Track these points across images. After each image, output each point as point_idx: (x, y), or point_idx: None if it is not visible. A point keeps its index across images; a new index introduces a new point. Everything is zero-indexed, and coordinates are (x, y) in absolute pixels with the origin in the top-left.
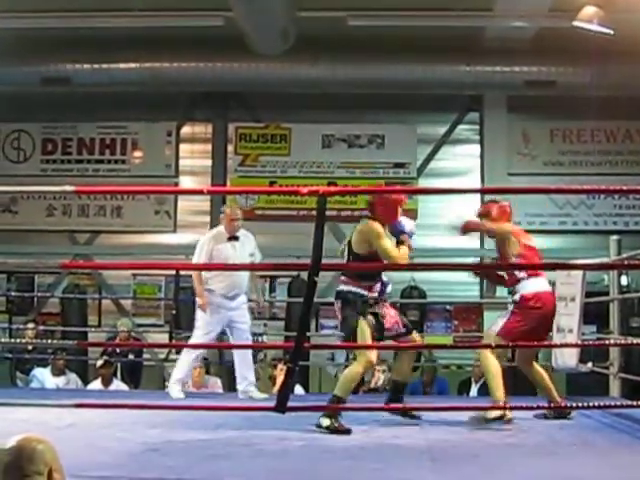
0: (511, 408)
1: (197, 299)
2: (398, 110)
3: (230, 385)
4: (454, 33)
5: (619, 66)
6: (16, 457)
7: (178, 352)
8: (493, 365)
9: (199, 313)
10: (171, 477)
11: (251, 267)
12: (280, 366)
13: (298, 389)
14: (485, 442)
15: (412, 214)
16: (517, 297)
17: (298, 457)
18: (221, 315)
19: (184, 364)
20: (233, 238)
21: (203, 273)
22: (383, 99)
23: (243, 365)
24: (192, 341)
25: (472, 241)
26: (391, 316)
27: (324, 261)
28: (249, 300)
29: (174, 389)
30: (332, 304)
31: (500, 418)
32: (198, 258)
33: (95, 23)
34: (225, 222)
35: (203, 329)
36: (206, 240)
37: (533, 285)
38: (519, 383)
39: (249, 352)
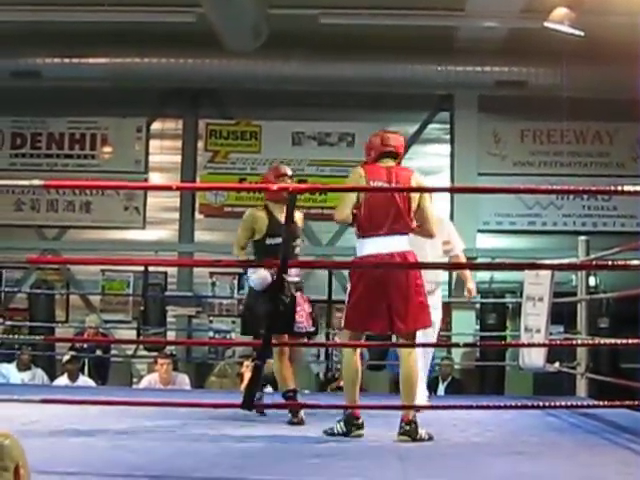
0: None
1: None
2: (369, 108)
3: (198, 381)
4: (426, 32)
5: (589, 67)
6: None
7: (147, 348)
8: (347, 367)
9: None
10: (137, 473)
11: (217, 264)
12: (246, 363)
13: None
14: (452, 441)
15: None
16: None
17: (263, 455)
18: None
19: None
20: None
21: None
22: (354, 97)
23: None
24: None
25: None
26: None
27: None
28: None
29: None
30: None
31: (344, 434)
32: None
33: (66, 17)
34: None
35: None
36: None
37: (368, 246)
38: (486, 382)
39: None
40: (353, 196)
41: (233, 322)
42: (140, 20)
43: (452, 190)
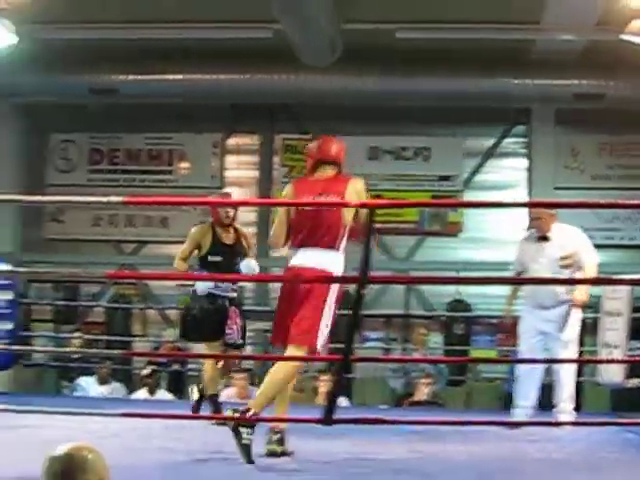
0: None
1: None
2: (445, 123)
3: None
4: (502, 46)
5: None
6: (67, 466)
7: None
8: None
9: None
10: None
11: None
12: (322, 377)
13: (343, 401)
14: (531, 457)
15: (457, 227)
16: None
17: (343, 470)
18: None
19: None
20: (543, 238)
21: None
22: (430, 111)
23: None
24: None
25: None
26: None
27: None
28: None
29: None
30: (377, 316)
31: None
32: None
33: (142, 34)
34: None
35: None
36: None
37: (291, 258)
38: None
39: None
40: (283, 218)
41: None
42: (216, 37)
43: (529, 205)
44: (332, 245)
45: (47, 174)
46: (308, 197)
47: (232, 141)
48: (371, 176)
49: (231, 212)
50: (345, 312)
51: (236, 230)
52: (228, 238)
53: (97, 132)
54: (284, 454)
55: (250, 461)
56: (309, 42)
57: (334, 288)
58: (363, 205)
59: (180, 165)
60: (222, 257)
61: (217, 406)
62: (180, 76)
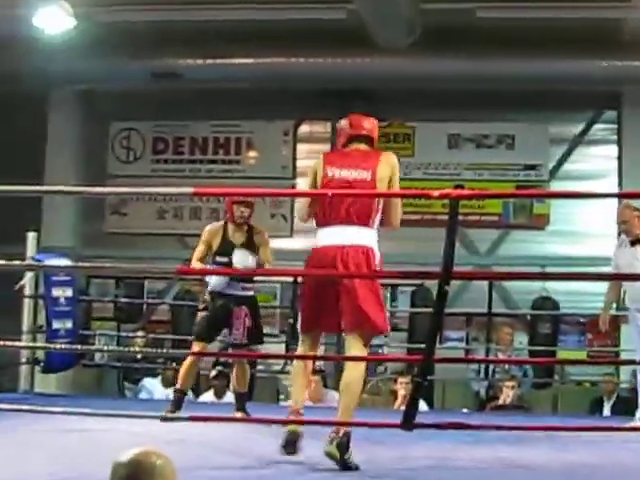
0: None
1: None
2: (529, 108)
3: None
4: (590, 25)
5: None
6: (134, 471)
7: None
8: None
9: None
10: None
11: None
12: (401, 380)
13: (422, 405)
14: (624, 465)
15: (543, 220)
16: None
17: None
18: None
19: None
20: (635, 242)
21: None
22: (513, 96)
23: None
24: None
25: (608, 249)
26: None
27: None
28: None
29: None
30: (458, 315)
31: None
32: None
33: (208, 16)
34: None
35: None
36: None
37: (320, 237)
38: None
39: None
40: (308, 191)
41: (386, 336)
42: (286, 18)
43: (620, 195)
44: (367, 222)
45: (109, 164)
46: (337, 169)
47: (304, 129)
48: (451, 165)
49: (246, 212)
50: (426, 310)
51: (250, 229)
52: (239, 238)
53: (161, 120)
54: (345, 465)
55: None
56: (385, 23)
57: (380, 266)
58: (445, 196)
59: (248, 154)
60: (229, 258)
61: (179, 405)
62: (249, 60)
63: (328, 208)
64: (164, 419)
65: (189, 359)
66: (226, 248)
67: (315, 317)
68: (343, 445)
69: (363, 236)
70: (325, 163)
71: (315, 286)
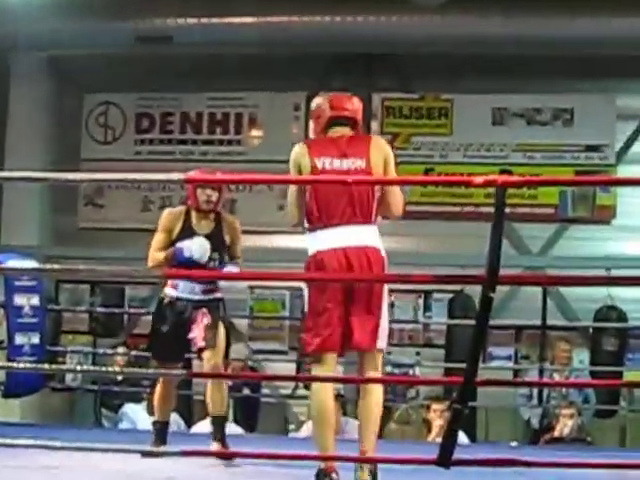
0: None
1: None
2: (590, 76)
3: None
4: None
5: None
6: None
7: (307, 387)
8: (315, 405)
9: None
10: None
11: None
12: (435, 407)
13: (461, 437)
14: None
15: (609, 212)
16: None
17: None
18: None
19: None
20: None
21: None
22: (571, 62)
23: None
24: None
25: None
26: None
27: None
28: None
29: None
30: (505, 327)
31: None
32: None
33: None
34: None
35: None
36: None
37: (318, 241)
38: None
39: None
40: (296, 187)
41: (417, 354)
42: None
43: None
44: (369, 219)
45: (82, 145)
46: (327, 158)
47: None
48: (496, 146)
49: (213, 195)
50: (467, 322)
51: (219, 217)
52: (203, 227)
53: (146, 92)
54: None
55: None
56: None
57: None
58: (489, 183)
59: (252, 133)
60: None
61: (163, 438)
62: (251, 19)
63: (325, 205)
64: (146, 454)
65: (158, 386)
66: (187, 237)
67: (342, 332)
68: (374, 473)
69: (373, 235)
70: (311, 153)
71: (337, 294)
